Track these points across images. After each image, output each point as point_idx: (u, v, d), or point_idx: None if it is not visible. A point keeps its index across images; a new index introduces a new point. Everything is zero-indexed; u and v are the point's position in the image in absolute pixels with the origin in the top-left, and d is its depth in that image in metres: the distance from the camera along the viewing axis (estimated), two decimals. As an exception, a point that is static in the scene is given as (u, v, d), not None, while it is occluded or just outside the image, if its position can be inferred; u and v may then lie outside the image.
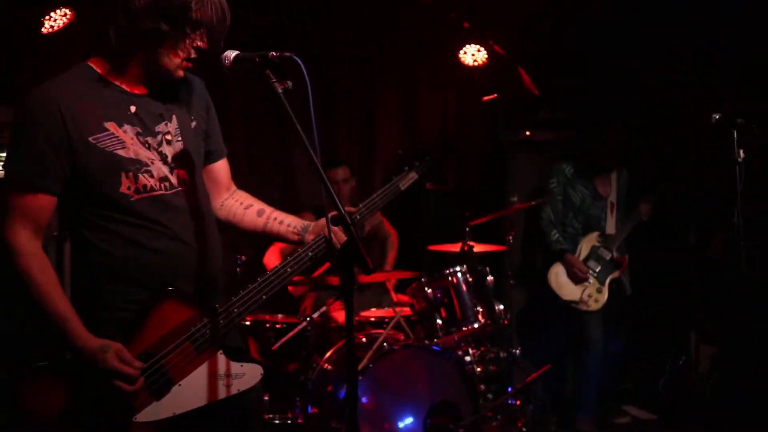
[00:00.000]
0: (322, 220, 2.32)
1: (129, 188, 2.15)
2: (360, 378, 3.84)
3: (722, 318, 4.81)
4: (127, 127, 2.17)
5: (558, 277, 5.05)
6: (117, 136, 2.15)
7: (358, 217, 2.37)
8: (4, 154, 3.24)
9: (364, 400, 3.92)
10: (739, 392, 4.56)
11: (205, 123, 2.40)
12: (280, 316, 4.60)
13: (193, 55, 2.17)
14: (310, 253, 2.29)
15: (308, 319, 4.40)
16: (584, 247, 5.06)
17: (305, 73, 2.02)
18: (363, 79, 6.19)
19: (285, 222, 2.45)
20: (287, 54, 2.07)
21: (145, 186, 2.17)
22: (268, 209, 2.49)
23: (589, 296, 4.98)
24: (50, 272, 2.13)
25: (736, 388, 4.67)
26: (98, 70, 2.19)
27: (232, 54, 2.16)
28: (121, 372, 2.05)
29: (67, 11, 4.91)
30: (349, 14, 5.97)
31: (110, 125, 2.15)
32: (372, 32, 6.07)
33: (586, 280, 4.99)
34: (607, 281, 5.01)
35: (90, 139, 2.12)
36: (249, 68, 2.13)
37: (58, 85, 2.14)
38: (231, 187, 2.56)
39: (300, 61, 2.03)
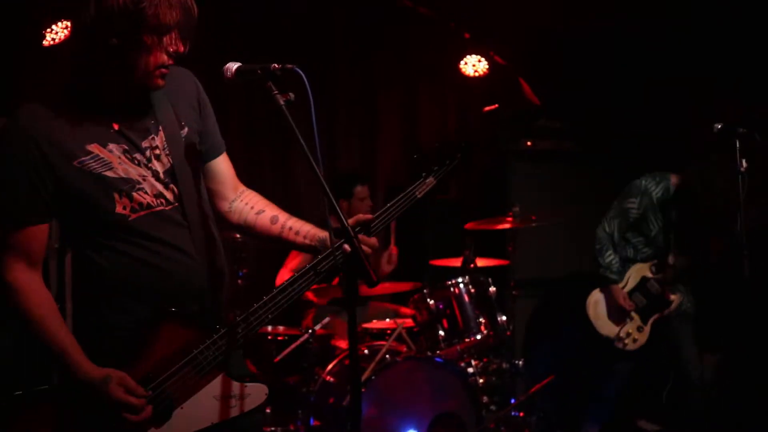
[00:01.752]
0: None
1: (125, 208, 2.07)
2: (362, 390, 3.82)
3: (725, 326, 4.79)
4: (112, 146, 2.08)
5: (597, 306, 4.56)
6: (102, 158, 2.06)
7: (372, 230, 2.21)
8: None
9: (366, 412, 3.90)
10: (742, 399, 4.54)
11: (198, 123, 2.26)
12: (281, 328, 4.58)
13: (168, 62, 2.04)
14: (314, 272, 2.18)
15: (310, 331, 4.38)
16: (633, 277, 4.52)
17: (307, 85, 1.98)
18: (363, 89, 6.18)
19: (301, 233, 2.29)
20: (289, 66, 2.04)
21: (141, 204, 2.09)
22: (282, 217, 2.33)
23: (628, 334, 4.49)
24: (49, 305, 2.07)
25: (740, 395, 4.65)
26: (76, 89, 2.09)
27: (233, 66, 2.11)
28: (127, 403, 2.00)
29: (69, 24, 4.91)
30: (349, 25, 5.98)
31: (93, 147, 2.06)
32: (372, 42, 6.08)
33: (629, 316, 4.50)
34: (651, 320, 4.51)
35: (75, 163, 2.04)
36: (251, 80, 2.08)
37: (34, 110, 2.04)
38: (238, 186, 2.40)
39: (302, 73, 2.00)
